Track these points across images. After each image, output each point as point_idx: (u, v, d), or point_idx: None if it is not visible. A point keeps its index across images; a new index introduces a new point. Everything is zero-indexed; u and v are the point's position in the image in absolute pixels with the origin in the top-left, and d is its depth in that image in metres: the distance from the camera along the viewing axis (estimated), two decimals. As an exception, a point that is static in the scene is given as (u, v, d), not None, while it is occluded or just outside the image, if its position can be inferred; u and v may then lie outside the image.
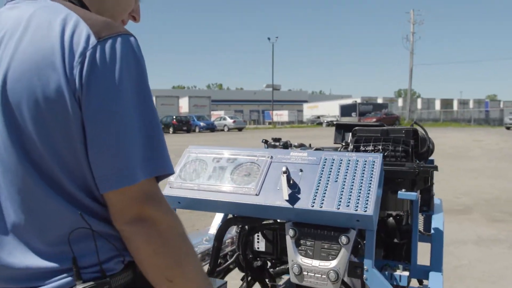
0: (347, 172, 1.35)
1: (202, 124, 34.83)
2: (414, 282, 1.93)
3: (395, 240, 1.93)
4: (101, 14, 0.89)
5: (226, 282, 1.36)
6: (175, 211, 0.96)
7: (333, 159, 1.40)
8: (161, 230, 0.78)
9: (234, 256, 1.72)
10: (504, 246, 4.74)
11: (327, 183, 1.33)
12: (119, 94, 0.74)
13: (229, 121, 36.75)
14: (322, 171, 1.37)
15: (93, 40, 0.75)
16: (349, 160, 1.38)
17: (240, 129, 35.83)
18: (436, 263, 1.78)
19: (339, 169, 1.37)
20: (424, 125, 2.09)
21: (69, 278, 0.76)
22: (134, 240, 0.78)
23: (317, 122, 47.16)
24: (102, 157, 0.74)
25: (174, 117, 34.26)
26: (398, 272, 1.65)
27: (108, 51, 0.75)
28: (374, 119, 30.75)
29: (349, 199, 1.27)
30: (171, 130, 32.72)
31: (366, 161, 1.37)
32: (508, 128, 28.65)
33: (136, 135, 0.76)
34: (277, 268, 1.80)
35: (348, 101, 50.57)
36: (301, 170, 1.39)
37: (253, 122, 56.50)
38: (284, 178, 1.32)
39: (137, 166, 0.75)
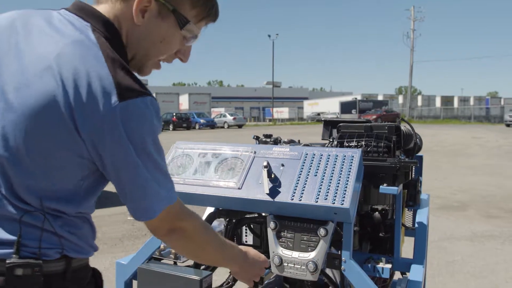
0: (326, 167, 1.39)
1: (202, 121, 34.85)
2: (398, 275, 1.98)
3: (381, 234, 1.97)
4: (137, 53, 1.02)
5: (211, 274, 1.41)
6: (192, 212, 1.13)
7: (314, 154, 1.44)
8: (188, 233, 1.06)
9: (221, 249, 1.76)
10: (497, 242, 4.78)
11: (307, 177, 1.38)
12: (136, 148, 0.87)
13: (229, 118, 36.74)
14: (303, 165, 1.42)
15: (115, 101, 0.84)
16: (329, 155, 1.43)
17: (240, 126, 35.83)
18: (419, 256, 1.82)
19: (319, 163, 1.41)
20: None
21: (10, 250, 0.87)
22: (173, 246, 1.16)
23: (317, 119, 47.13)
24: (131, 199, 0.93)
25: (174, 114, 34.28)
26: (381, 265, 1.69)
27: (127, 112, 0.85)
28: (374, 116, 30.71)
29: (327, 192, 1.32)
30: (171, 127, 32.74)
31: (345, 156, 1.41)
32: (508, 125, 28.63)
33: (152, 181, 0.92)
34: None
35: (349, 98, 50.53)
36: (282, 165, 1.43)
37: (253, 119, 56.53)
38: (265, 172, 1.37)
39: (155, 204, 0.93)
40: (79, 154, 0.88)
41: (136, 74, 0.98)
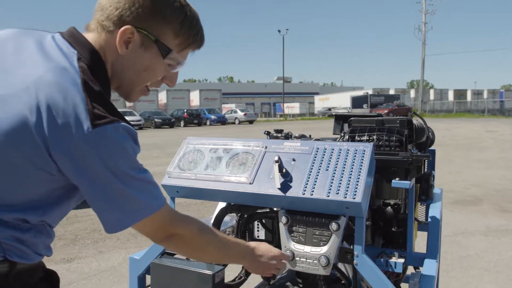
0: (337, 161, 1.39)
1: (213, 117, 34.91)
2: (411, 269, 1.97)
3: (393, 229, 1.96)
4: (122, 81, 1.07)
5: (223, 268, 1.41)
6: (187, 217, 1.17)
7: (325, 149, 1.44)
8: (185, 238, 1.12)
9: (233, 244, 1.76)
10: (512, 236, 4.73)
11: (318, 172, 1.37)
12: (108, 171, 0.91)
13: (240, 114, 36.73)
14: (314, 160, 1.41)
15: (87, 127, 0.88)
16: (340, 150, 1.42)
17: (251, 122, 35.82)
18: (432, 250, 1.80)
19: (330, 158, 1.40)
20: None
21: None
22: (172, 250, 1.26)
23: (328, 114, 46.88)
24: (100, 213, 0.97)
25: (185, 110, 34.41)
26: (393, 259, 1.68)
27: (99, 138, 0.89)
28: (386, 111, 30.44)
29: (339, 187, 1.31)
30: (182, 123, 32.86)
31: (356, 150, 1.40)
32: (522, 118, 28.18)
33: (121, 199, 0.95)
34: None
35: (360, 93, 50.19)
36: (293, 160, 1.43)
37: (264, 114, 56.42)
38: (276, 167, 1.37)
39: (124, 219, 0.97)
40: (49, 172, 0.92)
41: (124, 99, 1.11)
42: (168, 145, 12.59)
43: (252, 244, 1.34)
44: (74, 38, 1.00)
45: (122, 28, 1.00)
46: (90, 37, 1.02)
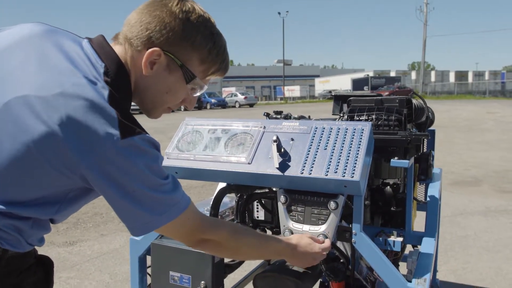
0: (336, 140, 1.39)
1: (213, 101, 34.77)
2: (409, 249, 1.98)
3: (392, 208, 1.97)
4: (143, 99, 1.07)
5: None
6: (217, 221, 1.20)
7: (323, 128, 1.43)
8: (217, 243, 1.12)
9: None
10: (511, 216, 4.75)
11: (317, 151, 1.37)
12: (129, 181, 0.92)
13: (240, 97, 36.57)
14: (312, 139, 1.41)
15: (117, 137, 0.89)
16: (339, 129, 1.42)
17: (251, 105, 35.69)
18: (430, 229, 1.82)
19: (329, 137, 1.40)
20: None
21: None
22: (207, 252, 1.22)
23: (328, 96, 46.65)
24: (122, 218, 0.98)
25: (185, 94, 34.18)
26: (392, 238, 1.69)
27: (128, 147, 0.90)
28: (387, 93, 30.30)
29: (337, 166, 1.31)
30: (182, 107, 32.68)
31: (355, 129, 1.40)
32: (524, 99, 28.05)
33: (147, 201, 0.95)
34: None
35: (360, 75, 49.91)
36: (292, 139, 1.43)
37: (264, 98, 56.19)
38: (274, 146, 1.37)
39: (141, 226, 0.98)
40: (71, 178, 0.92)
41: (146, 115, 1.12)
42: (169, 129, 12.58)
43: (294, 240, 1.30)
44: (103, 49, 1.00)
45: (150, 50, 0.99)
46: (117, 49, 1.02)
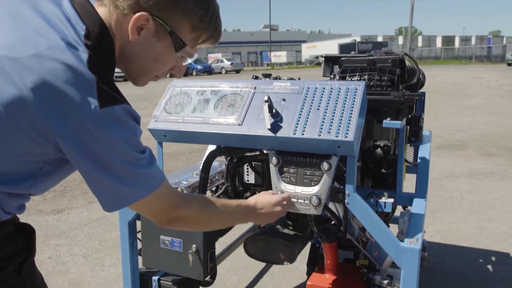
0: (329, 100, 1.35)
1: (199, 67, 34.24)
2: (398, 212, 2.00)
3: (383, 170, 1.97)
4: (130, 66, 1.01)
5: None
6: (188, 196, 1.17)
7: (316, 88, 1.39)
8: (189, 218, 1.10)
9: (223, 188, 1.76)
10: (495, 178, 4.84)
11: (309, 111, 1.34)
12: (104, 152, 0.86)
13: (227, 63, 36.07)
14: (305, 99, 1.37)
15: (95, 106, 0.83)
16: (332, 89, 1.38)
17: (238, 71, 35.29)
18: (421, 190, 1.82)
19: (321, 97, 1.37)
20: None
21: None
22: (179, 229, 1.21)
23: (315, 62, 46.39)
24: (94, 191, 0.93)
25: (170, 60, 33.62)
26: (383, 199, 1.69)
27: (107, 118, 0.85)
28: (374, 58, 30.14)
29: (331, 126, 1.28)
30: (168, 74, 32.26)
31: (348, 89, 1.36)
32: (509, 64, 28.11)
33: (123, 175, 0.90)
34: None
35: (348, 40, 49.50)
36: (283, 100, 1.39)
37: (251, 64, 55.55)
38: (266, 107, 1.33)
39: (114, 201, 0.93)
40: (44, 147, 0.86)
41: (132, 83, 1.06)
42: (154, 97, 12.38)
43: (251, 200, 1.31)
44: (84, 10, 0.91)
45: (138, 14, 0.92)
46: (101, 12, 0.94)
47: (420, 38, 52.91)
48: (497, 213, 3.83)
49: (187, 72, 32.89)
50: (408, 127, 2.13)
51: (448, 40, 49.87)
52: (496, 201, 4.13)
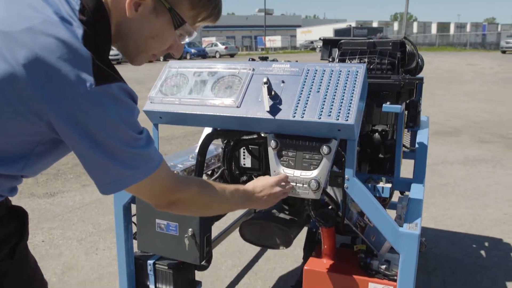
0: (329, 83, 1.32)
1: (193, 51, 33.90)
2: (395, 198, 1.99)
3: (380, 155, 1.95)
4: (127, 44, 0.97)
5: None
6: (186, 179, 1.12)
7: (316, 70, 1.36)
8: (188, 202, 1.07)
9: (220, 171, 1.73)
10: (489, 165, 4.86)
11: (309, 94, 1.31)
12: (101, 132, 0.83)
13: (221, 47, 35.78)
14: (304, 82, 1.34)
15: (90, 83, 0.79)
16: (332, 71, 1.35)
17: (232, 56, 35.07)
18: (419, 175, 1.81)
19: (322, 79, 1.34)
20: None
21: None
22: (178, 213, 1.11)
23: (310, 47, 46.14)
24: (90, 173, 0.90)
25: (164, 44, 33.29)
26: (381, 184, 1.68)
27: (102, 96, 0.81)
28: (369, 44, 30.02)
29: (331, 109, 1.26)
30: (161, 57, 31.97)
31: (349, 71, 1.33)
32: (503, 52, 28.19)
33: (121, 155, 0.87)
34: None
35: (343, 26, 49.18)
36: (283, 82, 1.36)
37: (245, 48, 55.13)
38: (265, 89, 1.30)
39: (109, 184, 0.89)
40: (38, 126, 0.83)
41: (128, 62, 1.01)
42: (148, 80, 12.25)
43: (250, 185, 1.29)
44: None
45: None
46: None
47: (415, 24, 52.77)
48: (490, 199, 3.85)
49: (181, 56, 32.55)
50: (406, 112, 2.11)
51: (443, 27, 49.80)
52: (490, 187, 4.15)
